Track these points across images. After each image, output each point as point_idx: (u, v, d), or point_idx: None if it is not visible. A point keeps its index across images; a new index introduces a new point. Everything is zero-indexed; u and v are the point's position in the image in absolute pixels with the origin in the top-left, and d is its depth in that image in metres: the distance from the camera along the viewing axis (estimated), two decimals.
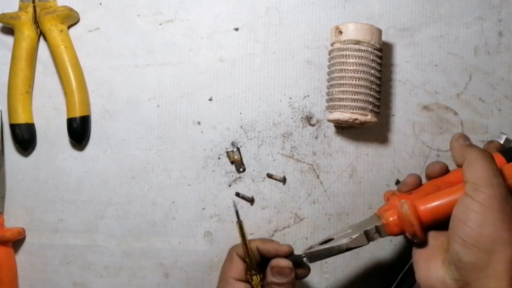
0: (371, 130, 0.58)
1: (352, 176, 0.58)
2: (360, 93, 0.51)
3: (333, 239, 0.47)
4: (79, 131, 0.59)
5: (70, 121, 0.59)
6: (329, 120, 0.54)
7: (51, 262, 0.61)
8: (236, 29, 0.59)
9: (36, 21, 0.59)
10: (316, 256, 0.47)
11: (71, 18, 0.59)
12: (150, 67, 0.60)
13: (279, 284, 0.47)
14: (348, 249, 0.46)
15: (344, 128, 0.58)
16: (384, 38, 0.57)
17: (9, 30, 0.61)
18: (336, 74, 0.52)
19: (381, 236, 0.45)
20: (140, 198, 0.60)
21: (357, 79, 0.51)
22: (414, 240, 0.43)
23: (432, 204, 0.43)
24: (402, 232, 0.44)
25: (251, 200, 0.58)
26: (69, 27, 0.60)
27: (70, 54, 0.59)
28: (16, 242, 0.61)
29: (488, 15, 0.57)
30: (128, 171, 0.60)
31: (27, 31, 0.58)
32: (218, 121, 0.59)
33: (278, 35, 0.59)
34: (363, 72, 0.51)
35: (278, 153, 0.59)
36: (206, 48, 0.60)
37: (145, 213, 0.60)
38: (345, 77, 0.52)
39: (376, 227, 0.45)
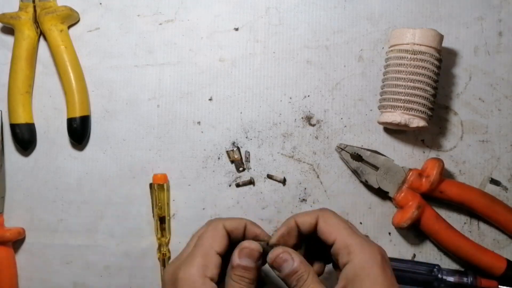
0: (371, 130, 0.58)
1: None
2: (416, 95, 0.51)
3: None
4: (79, 131, 0.59)
5: (70, 121, 0.59)
6: (380, 122, 0.55)
7: (51, 262, 0.61)
8: (236, 29, 0.59)
9: (36, 21, 0.59)
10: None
11: (71, 18, 0.59)
12: (150, 67, 0.60)
13: (245, 268, 0.43)
14: None
15: (343, 128, 0.58)
16: (384, 38, 0.57)
17: (9, 30, 0.61)
18: (392, 75, 0.52)
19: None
20: (140, 198, 0.60)
21: (414, 81, 0.51)
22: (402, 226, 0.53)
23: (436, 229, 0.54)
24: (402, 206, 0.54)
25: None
26: (69, 27, 0.60)
27: (70, 54, 0.59)
28: (16, 242, 0.61)
29: (488, 15, 0.57)
30: (128, 171, 0.60)
31: (27, 31, 0.58)
32: (218, 121, 0.59)
33: (278, 35, 0.59)
34: (421, 75, 0.51)
35: (278, 153, 0.59)
36: (206, 48, 0.60)
37: (145, 213, 0.60)
38: (402, 79, 0.51)
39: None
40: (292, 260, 0.43)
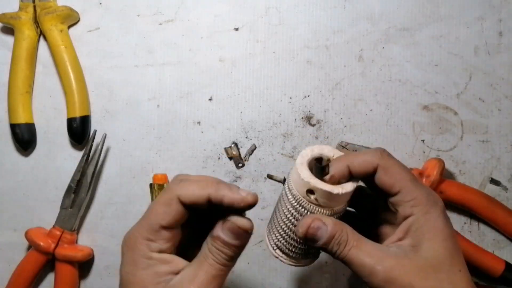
0: (371, 130, 0.58)
1: None
2: None
3: None
4: (79, 131, 0.59)
5: (70, 121, 0.59)
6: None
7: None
8: (236, 29, 0.59)
9: (36, 21, 0.59)
10: None
11: (71, 18, 0.59)
12: (150, 67, 0.60)
13: (225, 243, 0.38)
14: None
15: (343, 128, 0.58)
16: (384, 37, 0.58)
17: (9, 30, 0.61)
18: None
19: None
20: (140, 198, 0.60)
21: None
22: None
23: None
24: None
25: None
26: (69, 27, 0.60)
27: (70, 54, 0.59)
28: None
29: (488, 15, 0.57)
30: (128, 171, 0.60)
31: (27, 31, 0.58)
32: (218, 121, 0.59)
33: (278, 35, 0.59)
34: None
35: (278, 153, 0.59)
36: (206, 48, 0.60)
37: None
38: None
39: None
40: (325, 225, 0.38)
